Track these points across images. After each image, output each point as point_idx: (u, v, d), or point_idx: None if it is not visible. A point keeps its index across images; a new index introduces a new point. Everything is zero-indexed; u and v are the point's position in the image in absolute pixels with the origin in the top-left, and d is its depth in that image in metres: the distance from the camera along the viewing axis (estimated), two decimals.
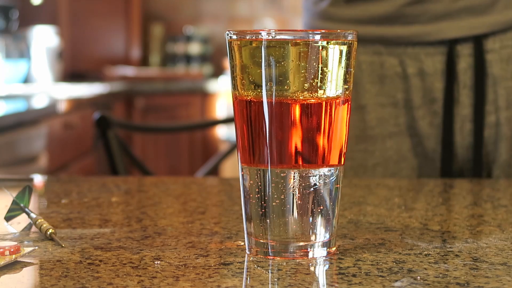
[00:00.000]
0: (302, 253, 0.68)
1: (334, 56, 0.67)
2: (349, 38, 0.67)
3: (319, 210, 0.68)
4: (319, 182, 0.67)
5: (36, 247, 0.71)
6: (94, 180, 1.12)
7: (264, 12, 5.14)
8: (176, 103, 4.49)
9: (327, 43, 0.66)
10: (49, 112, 3.12)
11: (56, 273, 0.63)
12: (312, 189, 0.67)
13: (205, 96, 4.52)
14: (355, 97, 1.24)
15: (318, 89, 0.66)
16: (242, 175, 0.70)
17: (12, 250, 0.66)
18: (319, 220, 0.68)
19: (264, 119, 0.67)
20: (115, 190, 1.04)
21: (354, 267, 0.65)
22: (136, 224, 0.82)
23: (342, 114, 0.68)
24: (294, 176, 0.67)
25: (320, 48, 0.66)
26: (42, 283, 0.62)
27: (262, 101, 0.67)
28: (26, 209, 0.81)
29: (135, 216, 0.87)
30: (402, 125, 1.25)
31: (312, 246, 0.68)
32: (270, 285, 0.61)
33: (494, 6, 1.21)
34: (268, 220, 0.68)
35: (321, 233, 0.68)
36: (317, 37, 0.66)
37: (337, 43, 0.67)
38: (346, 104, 0.69)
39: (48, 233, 0.74)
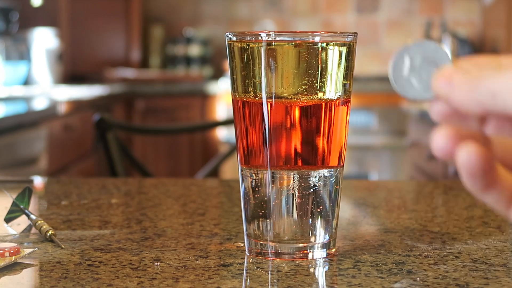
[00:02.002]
0: (301, 255, 0.68)
1: (334, 58, 0.67)
2: (349, 39, 0.67)
3: (318, 211, 0.68)
4: (318, 184, 0.67)
5: (36, 249, 0.71)
6: (94, 181, 1.12)
7: (264, 14, 5.14)
8: (176, 105, 4.49)
9: (327, 45, 0.66)
10: (49, 114, 3.12)
11: (56, 274, 0.63)
12: (311, 190, 0.67)
13: (205, 98, 4.52)
14: None
15: (318, 91, 0.66)
16: (242, 176, 0.70)
17: (12, 251, 0.66)
18: (319, 222, 0.68)
19: (264, 120, 0.67)
20: (115, 192, 1.04)
21: (353, 268, 0.65)
22: (136, 225, 0.82)
23: (342, 116, 0.68)
24: (293, 178, 0.67)
25: (320, 49, 0.66)
26: (42, 284, 0.62)
27: (262, 102, 0.67)
28: (26, 211, 0.81)
29: (135, 218, 0.87)
30: None
31: (311, 247, 0.68)
32: (269, 286, 0.61)
33: None
34: (267, 222, 0.68)
35: (320, 235, 0.68)
36: (317, 38, 0.66)
37: (336, 45, 0.67)
38: (346, 105, 0.69)
39: (48, 234, 0.74)
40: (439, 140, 0.44)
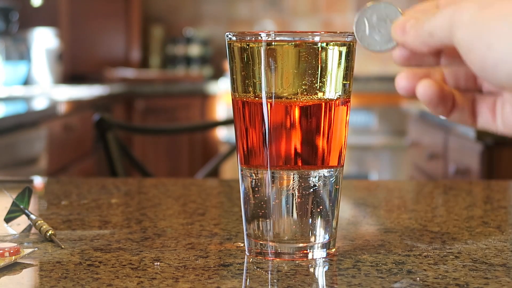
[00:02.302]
0: (301, 254, 0.68)
1: (334, 57, 0.67)
2: (349, 39, 0.67)
3: (318, 211, 0.68)
4: (318, 183, 0.67)
5: (36, 249, 0.71)
6: (94, 181, 1.12)
7: (264, 13, 5.14)
8: (176, 105, 4.49)
9: (327, 45, 0.66)
10: (49, 114, 3.12)
11: (55, 274, 0.63)
12: (311, 190, 0.67)
13: (205, 98, 4.52)
14: None
15: (318, 91, 0.66)
16: (242, 176, 0.70)
17: (12, 251, 0.66)
18: (319, 221, 0.68)
19: (264, 120, 0.67)
20: (115, 192, 1.04)
21: (353, 268, 0.65)
22: (135, 225, 0.82)
23: (342, 115, 0.68)
24: (293, 177, 0.67)
25: (320, 49, 0.66)
26: (41, 284, 0.62)
27: (261, 102, 0.67)
28: (26, 211, 0.81)
29: (135, 218, 0.87)
30: None
31: (311, 247, 0.68)
32: (269, 286, 0.61)
33: None
34: (267, 222, 0.68)
35: (320, 234, 0.68)
36: (317, 38, 0.66)
37: (336, 45, 0.67)
38: (346, 105, 0.69)
39: (48, 234, 0.74)
40: (401, 81, 0.56)
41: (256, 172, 0.68)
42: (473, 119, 0.57)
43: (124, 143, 1.77)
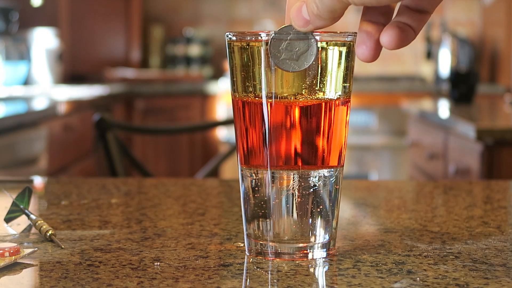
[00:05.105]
0: (301, 255, 0.68)
1: (334, 57, 0.67)
2: (349, 39, 0.67)
3: (318, 211, 0.68)
4: (318, 183, 0.67)
5: (36, 249, 0.71)
6: (94, 181, 1.12)
7: (264, 13, 5.14)
8: (176, 105, 4.49)
9: (327, 44, 0.66)
10: (49, 114, 3.12)
11: (55, 274, 0.63)
12: (311, 190, 0.67)
13: (205, 98, 4.52)
14: None
15: (318, 91, 0.66)
16: (242, 176, 0.70)
17: (12, 251, 0.66)
18: (319, 221, 0.68)
19: (264, 120, 0.67)
20: (115, 192, 1.04)
21: (353, 268, 0.65)
22: (135, 225, 0.82)
23: (342, 115, 0.68)
24: (293, 177, 0.67)
25: (320, 49, 0.66)
26: (41, 284, 0.62)
27: (261, 102, 0.67)
28: (26, 211, 0.81)
29: (135, 218, 0.87)
30: None
31: (311, 247, 0.68)
32: (269, 286, 0.61)
33: None
34: (267, 222, 0.68)
35: (320, 234, 0.68)
36: (317, 38, 0.66)
37: (336, 45, 0.67)
38: (346, 105, 0.69)
39: (48, 234, 0.74)
40: (361, 50, 0.62)
41: (256, 172, 0.68)
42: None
43: (124, 143, 1.77)
